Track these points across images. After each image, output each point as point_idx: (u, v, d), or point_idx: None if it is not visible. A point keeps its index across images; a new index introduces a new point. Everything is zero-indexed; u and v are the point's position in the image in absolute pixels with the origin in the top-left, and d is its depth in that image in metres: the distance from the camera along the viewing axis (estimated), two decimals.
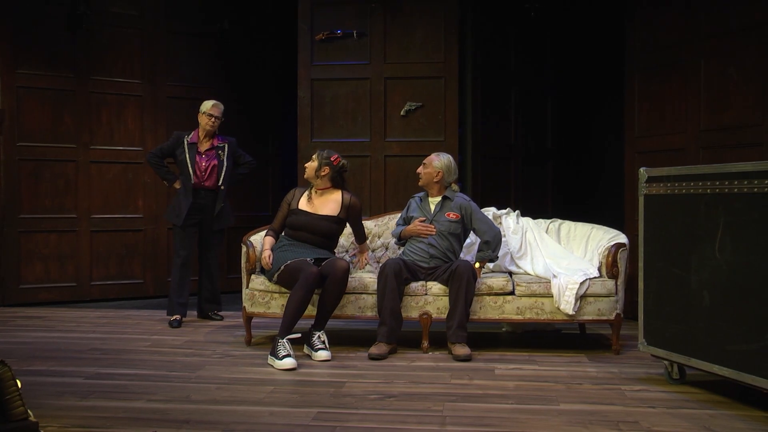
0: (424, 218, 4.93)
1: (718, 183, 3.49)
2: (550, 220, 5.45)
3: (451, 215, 4.90)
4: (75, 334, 5.32)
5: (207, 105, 5.76)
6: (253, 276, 4.92)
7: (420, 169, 5.02)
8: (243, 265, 4.98)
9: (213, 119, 5.71)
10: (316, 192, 4.99)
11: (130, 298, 6.96)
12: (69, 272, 6.80)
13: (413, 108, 6.27)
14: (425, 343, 4.71)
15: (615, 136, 6.56)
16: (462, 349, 4.51)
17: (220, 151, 5.76)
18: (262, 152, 7.56)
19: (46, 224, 6.71)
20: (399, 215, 5.24)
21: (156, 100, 7.11)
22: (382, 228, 5.49)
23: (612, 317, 4.67)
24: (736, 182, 3.39)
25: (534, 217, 5.49)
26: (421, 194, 5.10)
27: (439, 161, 4.97)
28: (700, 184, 3.59)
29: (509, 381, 4.00)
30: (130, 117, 7.02)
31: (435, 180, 4.96)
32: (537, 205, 7.07)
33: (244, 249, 4.98)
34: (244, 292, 4.95)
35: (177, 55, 7.19)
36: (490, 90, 6.81)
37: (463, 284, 4.59)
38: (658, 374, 4.08)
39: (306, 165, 5.05)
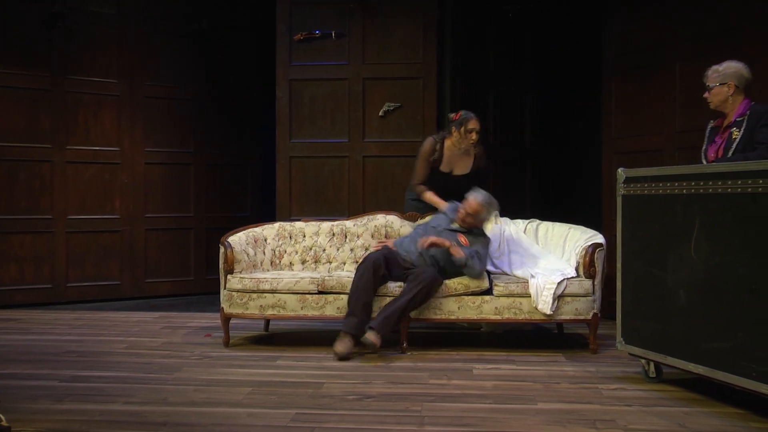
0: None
1: (693, 183, 3.52)
2: (528, 221, 5.47)
3: (462, 238, 4.88)
4: (51, 337, 5.27)
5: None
6: (230, 276, 4.89)
7: (463, 216, 4.91)
8: (221, 265, 4.95)
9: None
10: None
11: (107, 299, 6.89)
12: (45, 274, 6.72)
13: (392, 108, 6.28)
14: (404, 344, 4.71)
15: (593, 136, 6.60)
16: (372, 336, 4.46)
17: None
18: (240, 152, 7.54)
19: (22, 225, 6.62)
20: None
21: (134, 100, 7.04)
22: (361, 228, 5.47)
23: (589, 317, 4.70)
24: (711, 183, 3.42)
25: (512, 218, 5.51)
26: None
27: (486, 211, 4.94)
28: (677, 184, 3.62)
29: (487, 381, 4.01)
30: (107, 117, 6.95)
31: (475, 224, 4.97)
32: (515, 206, 7.08)
33: (222, 250, 4.95)
34: (222, 293, 4.92)
35: (155, 54, 7.12)
36: (469, 90, 6.82)
37: (415, 287, 4.58)
38: (635, 373, 4.12)
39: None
